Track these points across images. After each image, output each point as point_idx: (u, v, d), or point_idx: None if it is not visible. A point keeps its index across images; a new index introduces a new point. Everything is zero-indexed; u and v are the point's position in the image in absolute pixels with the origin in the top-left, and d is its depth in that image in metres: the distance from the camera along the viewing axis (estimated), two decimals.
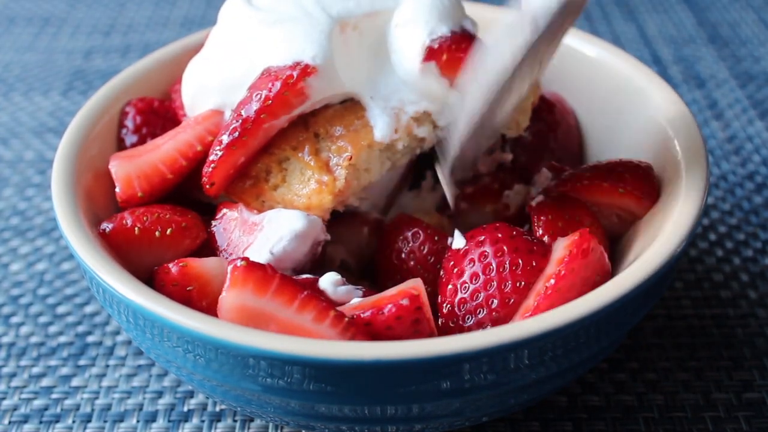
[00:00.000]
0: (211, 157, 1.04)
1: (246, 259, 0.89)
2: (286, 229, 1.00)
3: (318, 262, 1.04)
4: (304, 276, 0.99)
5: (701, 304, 1.24)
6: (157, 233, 1.01)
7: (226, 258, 1.02)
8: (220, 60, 1.10)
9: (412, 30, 1.06)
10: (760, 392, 1.11)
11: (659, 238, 0.94)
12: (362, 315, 0.92)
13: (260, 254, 0.99)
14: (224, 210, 1.06)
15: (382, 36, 1.09)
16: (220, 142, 1.03)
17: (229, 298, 0.89)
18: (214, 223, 1.05)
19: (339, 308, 0.92)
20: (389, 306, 0.91)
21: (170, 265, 0.97)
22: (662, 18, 2.03)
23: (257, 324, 0.88)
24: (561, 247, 0.95)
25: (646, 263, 0.90)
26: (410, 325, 0.91)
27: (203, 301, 0.96)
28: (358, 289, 0.98)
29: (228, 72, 1.08)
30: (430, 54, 1.05)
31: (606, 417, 1.09)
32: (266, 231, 1.01)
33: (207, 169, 1.04)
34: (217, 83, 1.09)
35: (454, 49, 1.05)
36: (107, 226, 1.01)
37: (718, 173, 1.50)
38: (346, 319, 0.90)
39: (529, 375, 0.88)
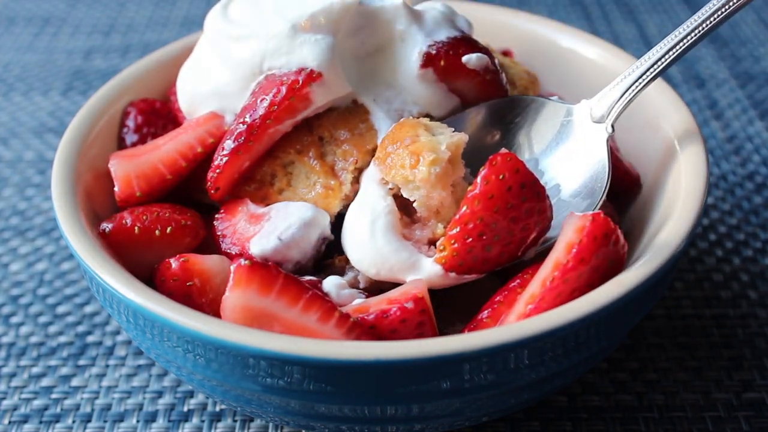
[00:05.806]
0: (217, 162, 1.04)
1: (250, 257, 0.89)
2: (295, 217, 1.01)
3: (320, 264, 1.04)
4: (308, 278, 0.99)
5: (701, 304, 1.24)
6: (157, 232, 1.01)
7: (229, 246, 1.02)
8: (208, 69, 1.10)
9: (411, 35, 1.06)
10: (760, 392, 1.11)
11: (659, 238, 0.94)
12: (366, 318, 0.91)
13: (268, 240, 0.99)
14: (229, 204, 1.06)
15: (385, 41, 1.09)
16: (225, 147, 1.03)
17: (232, 298, 0.88)
18: (217, 216, 1.05)
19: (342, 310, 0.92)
20: (394, 309, 0.91)
21: (171, 260, 0.97)
22: (662, 18, 2.03)
23: (261, 324, 0.88)
24: (572, 228, 0.89)
25: (646, 263, 0.90)
26: (415, 328, 0.91)
27: (204, 298, 0.96)
28: (361, 293, 0.98)
29: (217, 81, 1.09)
30: (428, 60, 1.05)
31: (606, 417, 1.09)
32: (274, 220, 1.02)
33: (212, 174, 1.04)
34: (209, 91, 1.10)
35: (452, 54, 1.05)
36: (107, 226, 1.01)
37: (718, 173, 1.50)
38: (352, 319, 0.90)
39: (529, 375, 0.88)
